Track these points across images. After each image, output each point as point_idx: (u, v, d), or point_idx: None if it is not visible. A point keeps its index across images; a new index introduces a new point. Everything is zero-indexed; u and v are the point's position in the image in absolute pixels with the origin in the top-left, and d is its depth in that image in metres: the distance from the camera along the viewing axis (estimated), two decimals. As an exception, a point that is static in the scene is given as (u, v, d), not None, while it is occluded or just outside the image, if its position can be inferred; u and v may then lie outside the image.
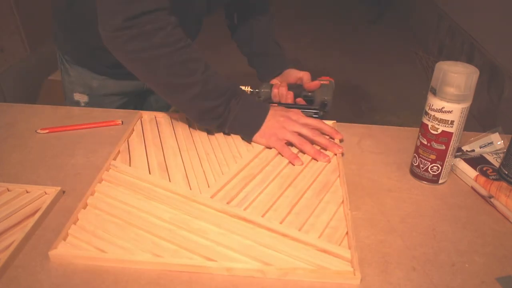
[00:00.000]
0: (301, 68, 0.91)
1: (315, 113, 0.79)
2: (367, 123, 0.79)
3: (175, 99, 0.68)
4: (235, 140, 0.71)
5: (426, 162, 0.61)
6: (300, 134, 0.68)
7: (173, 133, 0.72)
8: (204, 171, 0.63)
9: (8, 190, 0.59)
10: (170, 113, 0.78)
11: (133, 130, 0.73)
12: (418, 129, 0.62)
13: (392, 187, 0.62)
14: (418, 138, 0.62)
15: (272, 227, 0.53)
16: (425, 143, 0.60)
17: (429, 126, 0.59)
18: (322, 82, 0.87)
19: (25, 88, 2.09)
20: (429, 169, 0.62)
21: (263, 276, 0.48)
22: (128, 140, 0.70)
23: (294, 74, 0.89)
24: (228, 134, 0.72)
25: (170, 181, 0.61)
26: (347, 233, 0.53)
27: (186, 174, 0.62)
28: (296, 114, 0.71)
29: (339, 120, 0.78)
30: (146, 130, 0.73)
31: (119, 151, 0.67)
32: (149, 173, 0.63)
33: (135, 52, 0.63)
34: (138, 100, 1.02)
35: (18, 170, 0.64)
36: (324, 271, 0.48)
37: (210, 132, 0.73)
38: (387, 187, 0.62)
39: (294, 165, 0.65)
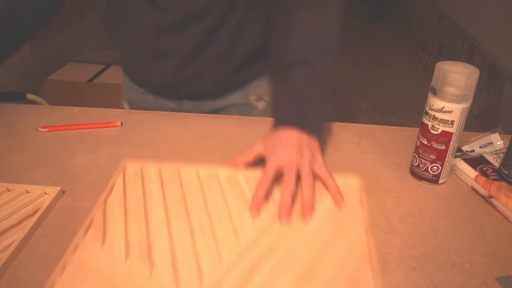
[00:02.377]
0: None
1: None
2: (367, 123, 0.80)
3: None
4: (237, 206, 0.57)
5: (426, 162, 0.61)
6: (299, 176, 0.57)
7: (162, 194, 0.58)
8: (197, 254, 0.50)
9: (8, 190, 0.59)
10: (158, 164, 0.64)
11: (112, 189, 0.59)
12: (418, 129, 0.62)
13: (392, 187, 0.62)
14: (418, 138, 0.62)
15: None
16: (425, 143, 0.60)
17: (429, 126, 0.59)
18: None
19: (25, 88, 2.09)
20: (429, 169, 0.62)
21: None
22: (105, 204, 0.57)
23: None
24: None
25: (151, 273, 0.47)
26: None
27: (174, 260, 0.49)
28: (321, 164, 0.59)
29: (339, 120, 0.77)
30: (129, 189, 0.59)
31: (91, 222, 0.53)
32: (125, 257, 0.49)
33: None
34: None
35: (18, 170, 0.64)
36: None
37: (205, 194, 0.59)
38: (387, 187, 0.62)
39: (251, 213, 0.54)
